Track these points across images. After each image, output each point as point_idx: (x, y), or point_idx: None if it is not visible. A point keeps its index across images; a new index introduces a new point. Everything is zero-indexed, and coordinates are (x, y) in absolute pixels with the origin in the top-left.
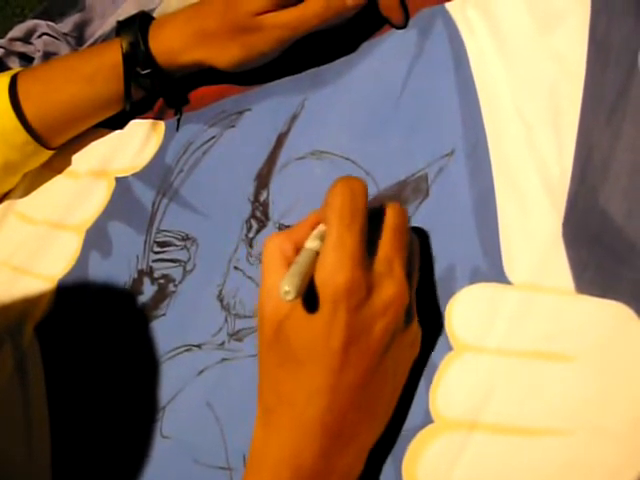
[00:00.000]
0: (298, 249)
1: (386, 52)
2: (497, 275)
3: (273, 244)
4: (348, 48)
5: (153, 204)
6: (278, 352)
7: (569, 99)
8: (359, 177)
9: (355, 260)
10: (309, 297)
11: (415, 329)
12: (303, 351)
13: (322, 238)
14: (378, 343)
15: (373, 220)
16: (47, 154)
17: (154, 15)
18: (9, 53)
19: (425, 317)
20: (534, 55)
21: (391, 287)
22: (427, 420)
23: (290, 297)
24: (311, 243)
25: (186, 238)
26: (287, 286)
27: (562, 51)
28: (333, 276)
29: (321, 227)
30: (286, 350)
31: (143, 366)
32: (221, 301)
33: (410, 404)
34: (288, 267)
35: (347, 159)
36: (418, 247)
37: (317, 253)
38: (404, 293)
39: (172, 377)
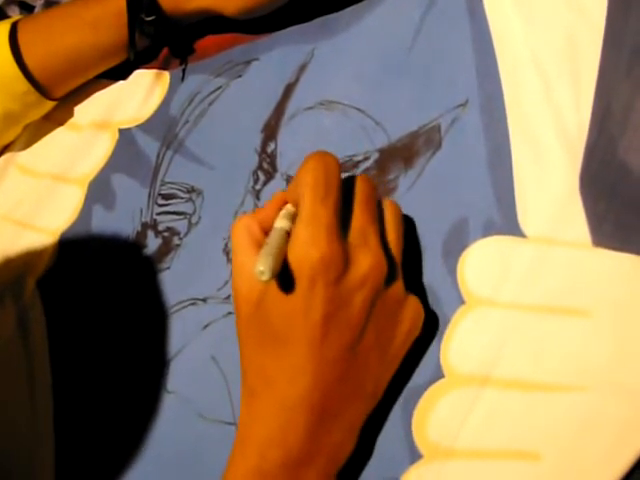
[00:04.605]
0: (265, 230)
1: (398, 0)
2: (511, 228)
3: (240, 225)
4: None
5: (158, 156)
6: (257, 331)
7: (588, 48)
8: (330, 152)
9: (330, 234)
10: (284, 276)
11: (398, 291)
12: (282, 329)
13: (290, 218)
14: (358, 316)
15: (343, 194)
16: (49, 105)
17: None
18: (9, 2)
19: (435, 273)
20: (552, 3)
21: (367, 258)
22: (438, 375)
23: (265, 277)
24: (280, 223)
25: (191, 190)
26: (261, 266)
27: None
28: (309, 251)
29: (289, 207)
30: (265, 329)
31: (148, 320)
32: (227, 254)
33: (421, 359)
34: (257, 247)
35: (357, 109)
36: (397, 214)
37: (287, 233)
38: (380, 263)
39: (177, 331)
